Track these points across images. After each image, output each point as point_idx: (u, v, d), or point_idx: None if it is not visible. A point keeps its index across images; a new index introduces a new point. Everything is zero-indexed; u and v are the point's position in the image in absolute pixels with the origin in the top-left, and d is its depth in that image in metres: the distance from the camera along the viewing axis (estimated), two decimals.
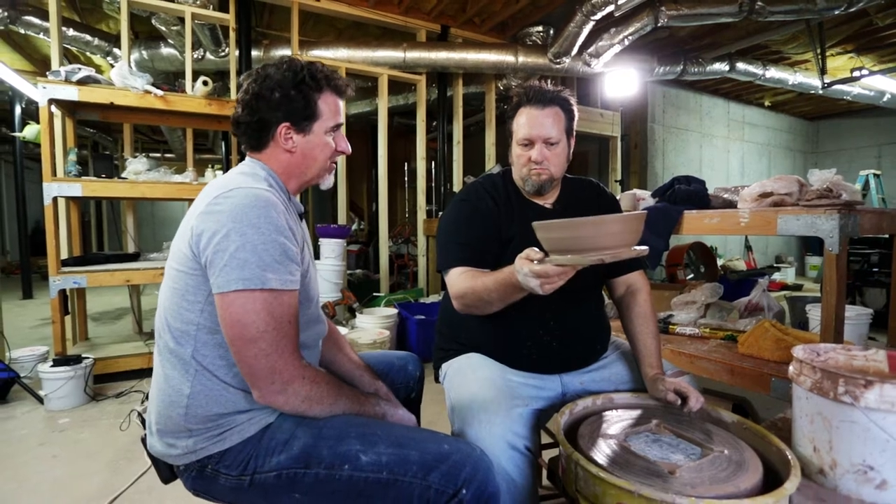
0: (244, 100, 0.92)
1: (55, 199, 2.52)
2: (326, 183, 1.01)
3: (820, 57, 4.62)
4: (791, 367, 0.88)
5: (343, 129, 1.01)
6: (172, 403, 0.84)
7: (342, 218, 4.08)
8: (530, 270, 0.81)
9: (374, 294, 4.01)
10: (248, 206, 0.79)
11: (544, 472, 1.50)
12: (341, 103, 0.98)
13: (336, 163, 1.01)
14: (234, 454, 0.82)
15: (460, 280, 1.07)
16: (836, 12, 3.59)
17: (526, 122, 1.14)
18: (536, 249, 0.84)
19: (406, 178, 7.53)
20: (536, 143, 1.14)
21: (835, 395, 0.76)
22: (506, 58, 4.23)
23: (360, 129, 7.16)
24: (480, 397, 1.00)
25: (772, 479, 0.78)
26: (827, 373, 0.78)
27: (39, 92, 2.45)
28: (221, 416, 0.83)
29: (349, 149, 1.01)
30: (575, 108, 1.20)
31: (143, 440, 0.92)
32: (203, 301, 0.83)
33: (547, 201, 1.23)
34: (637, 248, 0.82)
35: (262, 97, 0.90)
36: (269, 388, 0.79)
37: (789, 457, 0.78)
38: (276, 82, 0.90)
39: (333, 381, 0.90)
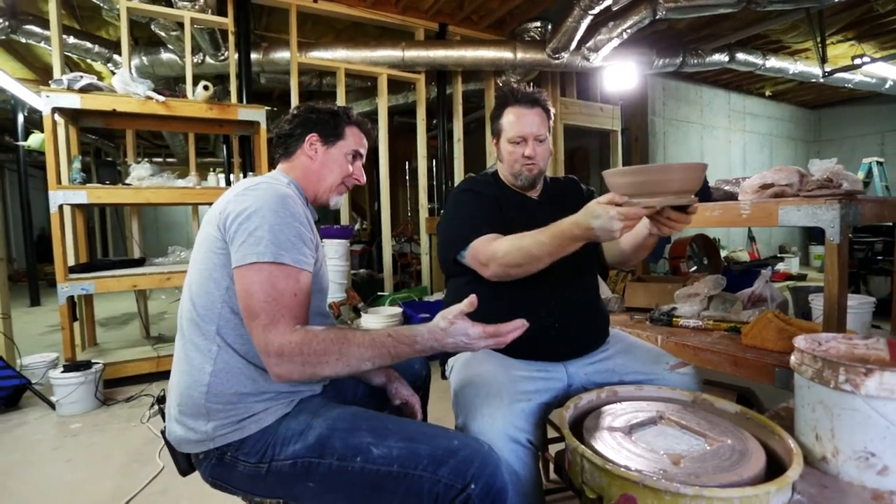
0: (287, 119, 1.10)
1: (61, 207, 2.54)
2: (335, 202, 1.12)
3: (820, 45, 4.60)
4: (793, 357, 0.89)
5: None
6: (195, 383, 0.87)
7: (345, 218, 4.10)
8: (617, 213, 0.88)
9: (379, 293, 4.03)
10: (271, 195, 0.89)
11: (552, 467, 1.52)
12: (366, 143, 1.14)
13: (348, 188, 1.13)
14: (252, 442, 0.86)
15: (497, 243, 1.09)
16: (836, 0, 3.58)
17: (517, 120, 1.23)
18: (617, 195, 0.91)
19: (407, 177, 7.54)
20: (529, 139, 1.23)
21: (836, 383, 0.77)
22: (504, 54, 4.22)
23: None
24: (483, 391, 1.03)
25: (775, 468, 0.79)
26: (828, 362, 0.79)
27: (43, 101, 2.48)
28: (241, 396, 0.87)
29: (363, 179, 1.14)
30: (552, 110, 1.31)
31: (163, 432, 0.96)
32: (229, 279, 0.88)
33: (534, 194, 1.33)
34: (694, 196, 0.93)
35: (300, 115, 1.08)
36: (268, 361, 0.81)
37: (791, 445, 0.79)
38: (316, 108, 1.09)
39: (335, 332, 0.83)
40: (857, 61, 4.86)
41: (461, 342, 0.84)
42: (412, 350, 0.84)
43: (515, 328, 0.86)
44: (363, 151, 1.12)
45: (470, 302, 0.86)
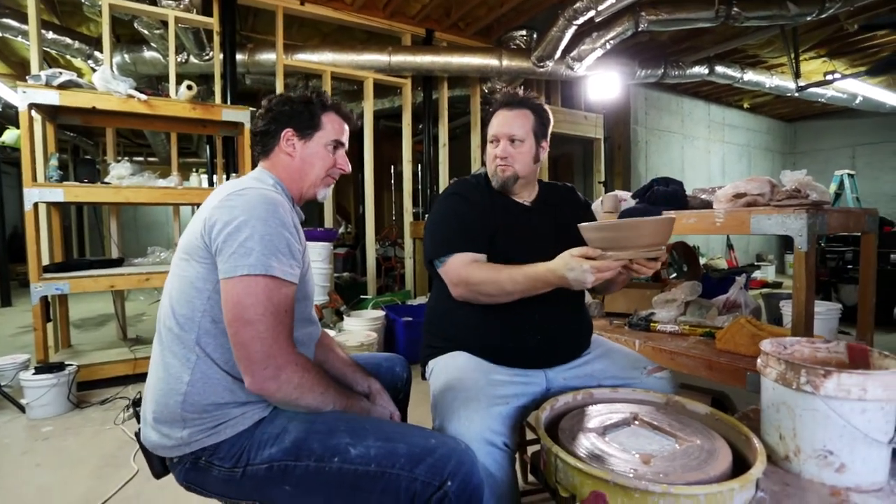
0: (261, 114, 1.05)
1: (36, 205, 2.49)
2: (322, 195, 1.09)
3: (794, 61, 4.76)
4: (759, 360, 0.93)
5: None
6: (171, 391, 0.86)
7: (329, 221, 4.09)
8: (591, 266, 0.94)
9: (362, 297, 4.02)
10: (259, 202, 0.87)
11: (529, 468, 1.53)
12: (346, 128, 1.09)
13: (335, 178, 1.09)
14: (227, 447, 0.85)
15: (472, 268, 1.11)
16: (808, 18, 3.72)
17: (495, 122, 1.24)
18: (591, 248, 0.97)
19: (392, 181, 7.53)
20: (502, 140, 1.22)
21: (797, 385, 0.80)
22: (490, 61, 4.28)
23: None
24: (462, 395, 1.04)
25: (741, 467, 0.82)
26: (790, 364, 0.83)
27: (19, 96, 2.42)
28: (218, 406, 0.86)
29: (349, 167, 1.09)
30: (548, 112, 1.27)
31: (137, 434, 0.94)
32: (211, 289, 0.87)
33: (526, 200, 1.30)
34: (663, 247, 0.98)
35: (274, 110, 1.03)
36: (262, 373, 0.81)
37: (756, 444, 0.82)
38: (288, 99, 1.04)
39: (323, 371, 0.94)
40: (829, 77, 5.04)
41: (386, 414, 1.07)
42: (359, 407, 0.98)
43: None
44: (344, 139, 1.08)
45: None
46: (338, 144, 1.06)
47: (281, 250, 0.85)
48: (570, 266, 0.96)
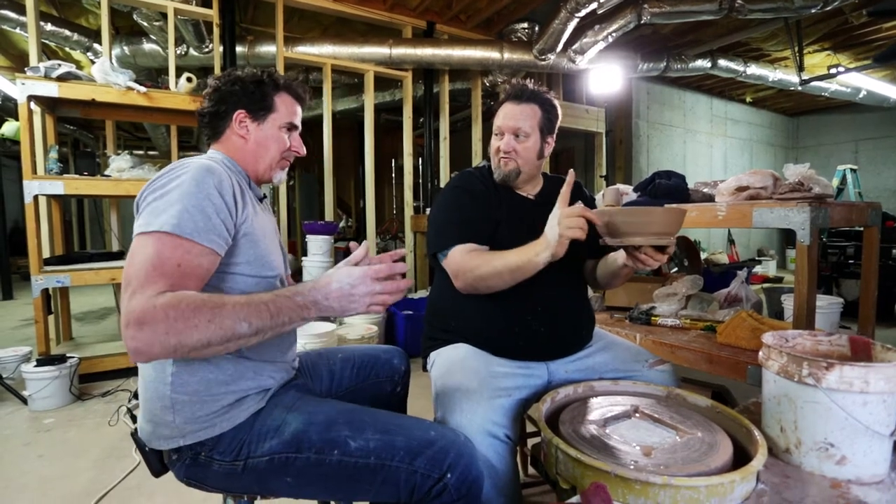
0: (208, 93, 1.00)
1: (36, 198, 2.48)
2: (277, 178, 1.05)
3: (798, 54, 4.73)
4: (760, 353, 0.92)
5: (299, 133, 1.07)
6: (159, 375, 0.84)
7: (329, 215, 4.08)
8: (572, 211, 0.97)
9: None
10: (187, 173, 0.82)
11: (530, 460, 1.54)
12: (299, 109, 1.05)
13: (290, 161, 1.06)
14: (227, 441, 0.84)
15: (471, 257, 1.11)
16: (813, 11, 3.68)
17: (501, 114, 1.22)
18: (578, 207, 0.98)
19: (393, 175, 7.52)
20: (506, 133, 1.21)
21: (799, 377, 0.80)
22: (491, 54, 4.25)
23: (347, 125, 7.13)
24: (464, 387, 1.04)
25: (742, 459, 0.82)
26: (792, 356, 0.82)
27: (18, 88, 2.41)
28: (208, 383, 0.84)
29: (303, 150, 1.06)
30: (556, 107, 1.25)
31: (134, 435, 0.93)
32: None
33: (530, 193, 1.29)
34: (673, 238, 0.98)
35: (222, 90, 0.98)
36: (125, 334, 0.68)
37: (757, 437, 0.82)
38: (238, 78, 0.99)
39: (204, 296, 0.73)
40: (833, 71, 5.00)
41: (345, 290, 0.78)
42: (293, 304, 0.77)
43: (400, 268, 0.84)
44: (297, 122, 1.04)
45: (363, 247, 0.89)
46: (292, 127, 1.03)
47: (189, 210, 0.77)
48: (553, 223, 0.98)
